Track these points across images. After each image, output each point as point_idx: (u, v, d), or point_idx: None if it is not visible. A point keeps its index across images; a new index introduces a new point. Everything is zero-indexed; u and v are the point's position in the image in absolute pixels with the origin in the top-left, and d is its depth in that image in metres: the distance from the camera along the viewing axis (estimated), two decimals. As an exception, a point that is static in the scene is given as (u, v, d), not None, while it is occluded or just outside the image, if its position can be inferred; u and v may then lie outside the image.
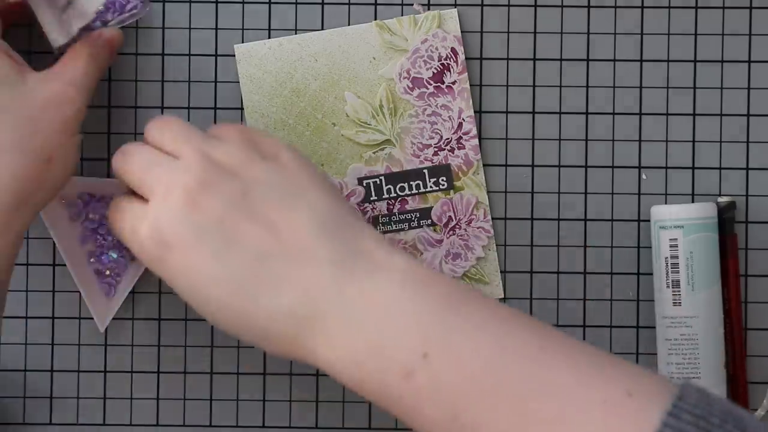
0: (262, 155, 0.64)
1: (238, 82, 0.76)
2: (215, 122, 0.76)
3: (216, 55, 0.76)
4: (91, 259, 0.75)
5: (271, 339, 0.61)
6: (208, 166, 0.62)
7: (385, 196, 0.76)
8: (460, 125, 0.76)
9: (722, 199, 0.75)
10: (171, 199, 0.62)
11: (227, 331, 0.62)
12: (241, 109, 0.76)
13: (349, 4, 0.76)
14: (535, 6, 0.76)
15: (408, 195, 0.76)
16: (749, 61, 0.76)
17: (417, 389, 0.58)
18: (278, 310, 0.60)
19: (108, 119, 0.76)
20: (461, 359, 0.57)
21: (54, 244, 0.74)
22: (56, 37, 0.73)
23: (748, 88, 0.76)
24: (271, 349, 0.62)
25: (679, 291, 0.73)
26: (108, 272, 0.75)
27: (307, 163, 0.65)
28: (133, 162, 0.65)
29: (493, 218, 0.76)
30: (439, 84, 0.76)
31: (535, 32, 0.76)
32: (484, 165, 0.76)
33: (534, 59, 0.76)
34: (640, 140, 0.76)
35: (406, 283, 0.60)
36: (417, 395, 0.58)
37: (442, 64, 0.76)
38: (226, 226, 0.61)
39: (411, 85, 0.76)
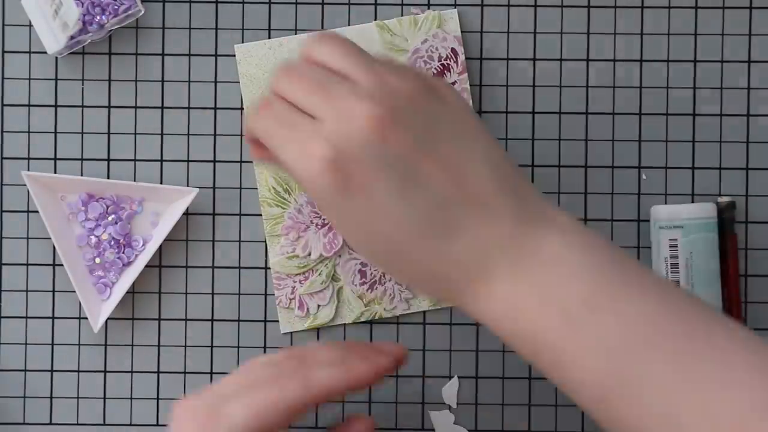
0: (431, 90, 0.62)
1: (238, 82, 0.76)
2: (215, 122, 0.76)
3: (216, 55, 0.76)
4: (88, 259, 0.75)
5: (435, 283, 0.60)
6: (393, 95, 0.59)
7: (385, 196, 0.76)
8: (460, 125, 0.76)
9: (722, 199, 0.75)
10: (355, 123, 0.58)
11: (387, 269, 0.61)
12: (241, 109, 0.76)
13: (349, 4, 0.76)
14: (535, 6, 0.76)
15: (408, 195, 0.76)
16: (749, 61, 0.76)
17: (577, 337, 0.58)
18: (450, 255, 0.59)
19: (108, 119, 0.76)
20: (626, 312, 0.57)
21: (54, 244, 0.74)
22: (50, 44, 0.74)
23: (748, 88, 0.76)
24: (429, 291, 0.62)
25: (679, 291, 0.73)
26: (103, 273, 0.75)
27: (469, 106, 0.63)
28: (302, 78, 0.61)
29: (493, 218, 0.76)
30: (439, 84, 0.76)
31: (535, 32, 0.76)
32: (484, 165, 0.76)
33: (534, 59, 0.76)
34: (640, 140, 0.76)
35: (574, 239, 0.60)
36: (576, 343, 0.58)
37: (442, 65, 0.76)
38: (411, 163, 0.59)
39: (411, 85, 0.76)
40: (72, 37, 0.74)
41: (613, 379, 0.57)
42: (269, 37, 0.76)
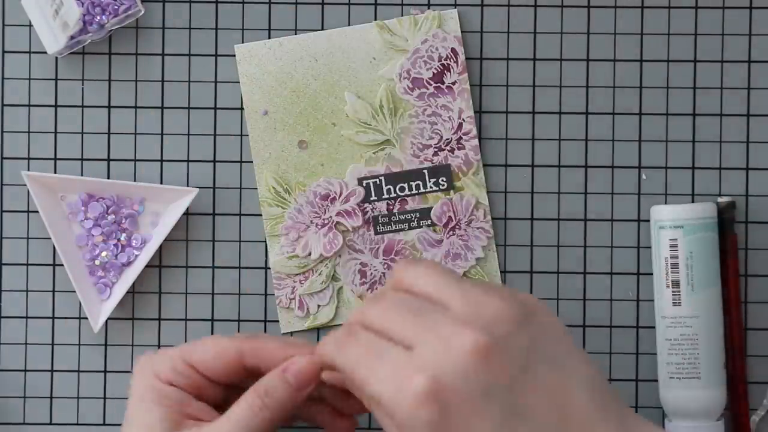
0: (528, 313, 0.59)
1: (238, 82, 0.76)
2: (215, 122, 0.76)
3: (216, 55, 0.76)
4: (87, 259, 0.75)
5: None
6: (492, 321, 0.57)
7: (385, 196, 0.76)
8: (460, 125, 0.76)
9: (722, 199, 0.75)
10: (455, 351, 0.55)
11: None
12: (241, 109, 0.76)
13: (349, 4, 0.76)
14: (535, 6, 0.76)
15: (408, 195, 0.76)
16: (749, 61, 0.76)
17: None
18: None
19: (108, 119, 0.76)
20: None
21: (54, 244, 0.74)
22: (50, 44, 0.74)
23: (748, 88, 0.76)
24: None
25: (678, 291, 0.73)
26: (103, 273, 0.75)
27: (561, 322, 0.61)
28: (394, 306, 0.59)
29: (493, 218, 0.76)
30: (439, 84, 0.76)
31: (535, 32, 0.76)
32: (484, 165, 0.76)
33: (534, 59, 0.76)
34: (640, 140, 0.76)
35: None
36: None
37: (442, 65, 0.76)
38: (515, 391, 0.56)
39: (411, 86, 0.76)
40: (72, 37, 0.74)
41: None
42: (269, 37, 0.76)
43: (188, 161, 0.76)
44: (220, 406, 0.66)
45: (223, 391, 0.67)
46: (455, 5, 0.76)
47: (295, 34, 0.76)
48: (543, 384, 0.57)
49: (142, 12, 0.75)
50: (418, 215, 0.76)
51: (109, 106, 0.76)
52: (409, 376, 0.55)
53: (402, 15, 0.76)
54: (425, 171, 0.76)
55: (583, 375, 0.59)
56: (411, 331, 0.57)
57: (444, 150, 0.76)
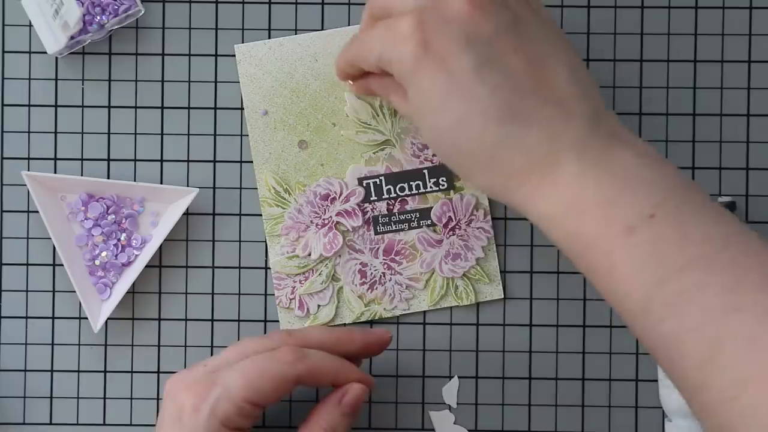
0: None
1: (238, 82, 0.76)
2: (215, 122, 0.76)
3: (216, 55, 0.76)
4: (87, 259, 0.75)
5: (494, 168, 0.61)
6: None
7: (385, 196, 0.76)
8: (460, 125, 0.76)
9: (722, 199, 0.75)
10: (446, 2, 0.61)
11: (445, 151, 0.63)
12: (241, 109, 0.76)
13: (349, 4, 0.76)
14: (535, 6, 0.76)
15: (408, 195, 0.76)
16: (749, 61, 0.76)
17: (634, 246, 0.58)
18: (518, 142, 0.60)
19: (108, 119, 0.76)
20: (686, 226, 0.58)
21: (54, 244, 0.74)
22: (50, 44, 0.74)
23: (748, 88, 0.76)
24: (484, 180, 0.62)
25: (679, 291, 0.73)
26: (103, 273, 0.75)
27: (552, 19, 0.65)
28: None
29: (493, 218, 0.76)
30: (439, 84, 0.76)
31: (535, 32, 0.76)
32: (484, 165, 0.76)
33: (534, 59, 0.76)
34: (640, 140, 0.76)
35: (643, 155, 0.60)
36: (632, 252, 0.58)
37: (442, 64, 0.76)
38: (494, 47, 0.60)
39: (411, 85, 0.76)
40: (72, 37, 0.74)
41: (661, 294, 0.57)
42: (269, 37, 0.76)
43: (188, 161, 0.76)
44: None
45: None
46: (455, 5, 0.76)
47: (295, 34, 0.76)
48: (524, 49, 0.61)
49: (142, 12, 0.75)
50: (418, 215, 0.76)
51: (109, 106, 0.76)
52: (402, 19, 0.62)
53: (402, 15, 0.76)
54: (425, 171, 0.76)
55: (569, 61, 0.62)
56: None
57: (444, 150, 0.76)
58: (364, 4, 0.76)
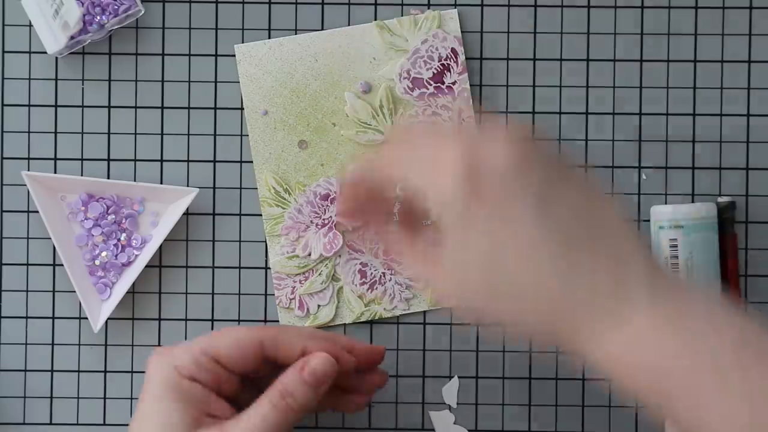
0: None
1: (238, 82, 0.76)
2: (215, 122, 0.76)
3: (216, 55, 0.76)
4: (87, 259, 0.75)
5: (555, 313, 0.58)
6: (525, 136, 0.59)
7: (385, 196, 0.76)
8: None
9: (722, 199, 0.75)
10: (492, 141, 0.58)
11: (492, 302, 0.59)
12: (241, 109, 0.76)
13: (349, 4, 0.76)
14: (535, 6, 0.76)
15: (408, 195, 0.76)
16: (749, 61, 0.76)
17: (724, 383, 0.56)
18: (581, 285, 0.57)
19: (108, 119, 0.76)
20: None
21: (54, 244, 0.74)
22: (50, 44, 0.74)
23: (748, 88, 0.76)
24: (541, 325, 0.58)
25: (679, 291, 0.73)
26: (103, 273, 0.75)
27: (587, 176, 0.63)
28: (422, 125, 0.62)
29: (493, 218, 0.76)
30: (439, 84, 0.76)
31: (535, 32, 0.76)
32: (484, 165, 0.76)
33: (534, 59, 0.76)
34: (640, 140, 0.76)
35: (715, 305, 0.58)
36: (723, 389, 0.56)
37: (442, 65, 0.76)
38: (543, 196, 0.57)
39: (411, 86, 0.76)
40: (72, 37, 0.74)
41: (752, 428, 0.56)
42: (269, 37, 0.76)
43: (188, 161, 0.76)
44: (234, 400, 0.66)
45: (238, 383, 0.66)
46: (455, 5, 0.76)
47: (295, 34, 0.76)
48: (570, 199, 0.58)
49: (142, 12, 0.75)
50: (418, 215, 0.76)
51: (109, 106, 0.76)
52: (446, 155, 0.58)
53: (402, 15, 0.76)
54: (425, 171, 0.76)
55: (609, 205, 0.59)
56: (442, 133, 0.60)
57: (444, 150, 0.76)
58: (364, 4, 0.76)
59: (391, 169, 0.61)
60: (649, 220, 0.76)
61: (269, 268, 0.76)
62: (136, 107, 0.76)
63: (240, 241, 0.76)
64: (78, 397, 0.76)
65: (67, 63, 0.76)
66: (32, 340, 0.76)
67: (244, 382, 0.67)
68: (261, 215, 0.76)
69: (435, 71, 0.76)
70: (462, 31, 0.76)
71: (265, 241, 0.76)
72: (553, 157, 0.60)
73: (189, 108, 0.76)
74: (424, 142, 0.60)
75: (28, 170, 0.76)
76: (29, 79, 0.76)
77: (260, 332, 0.66)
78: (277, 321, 0.76)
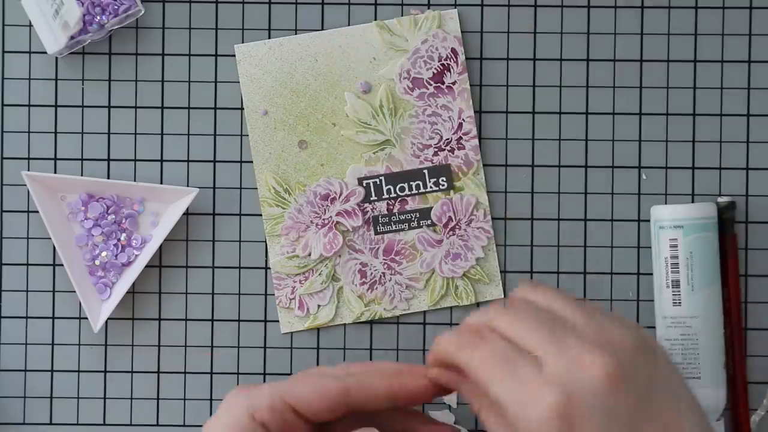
0: (649, 348, 0.60)
1: (238, 82, 0.76)
2: (215, 122, 0.76)
3: (216, 55, 0.76)
4: (87, 259, 0.75)
5: None
6: (619, 348, 0.58)
7: (385, 196, 0.76)
8: (460, 125, 0.76)
9: (722, 199, 0.75)
10: (588, 372, 0.56)
11: None
12: (242, 109, 0.76)
13: (349, 4, 0.76)
14: (535, 6, 0.76)
15: (408, 195, 0.76)
16: (749, 61, 0.76)
17: None
18: None
19: (108, 119, 0.76)
20: None
21: (54, 244, 0.74)
22: (50, 44, 0.74)
23: (748, 88, 0.76)
24: None
25: (679, 291, 0.73)
26: (103, 273, 0.75)
27: (674, 363, 0.62)
28: (526, 316, 0.59)
29: (493, 218, 0.76)
30: (439, 84, 0.76)
31: (535, 32, 0.76)
32: (484, 165, 0.76)
33: (534, 59, 0.76)
34: (640, 140, 0.76)
35: None
36: None
37: (442, 65, 0.76)
38: (635, 419, 0.57)
39: (411, 86, 0.76)
40: (72, 37, 0.74)
41: None
42: (269, 37, 0.76)
43: (188, 161, 0.76)
44: None
45: (310, 430, 0.64)
46: (455, 5, 0.76)
47: (295, 34, 0.76)
48: (660, 417, 0.57)
49: (142, 12, 0.75)
50: (418, 215, 0.76)
51: (109, 106, 0.76)
52: (540, 389, 0.56)
53: (402, 15, 0.76)
54: (425, 171, 0.76)
55: (697, 420, 0.59)
56: (543, 342, 0.58)
57: (444, 150, 0.76)
58: (364, 4, 0.76)
59: (477, 372, 0.59)
60: (649, 220, 0.76)
61: (269, 268, 0.76)
62: (136, 107, 0.76)
63: (240, 241, 0.76)
64: (78, 397, 0.76)
65: (67, 63, 0.76)
66: (32, 340, 0.76)
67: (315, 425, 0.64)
68: (261, 215, 0.76)
69: (435, 71, 0.76)
70: (462, 31, 0.76)
71: (265, 241, 0.76)
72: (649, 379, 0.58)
73: (189, 108, 0.76)
74: (526, 339, 0.58)
75: (28, 170, 0.76)
76: (29, 79, 0.76)
77: (347, 381, 0.63)
78: (277, 321, 0.76)
